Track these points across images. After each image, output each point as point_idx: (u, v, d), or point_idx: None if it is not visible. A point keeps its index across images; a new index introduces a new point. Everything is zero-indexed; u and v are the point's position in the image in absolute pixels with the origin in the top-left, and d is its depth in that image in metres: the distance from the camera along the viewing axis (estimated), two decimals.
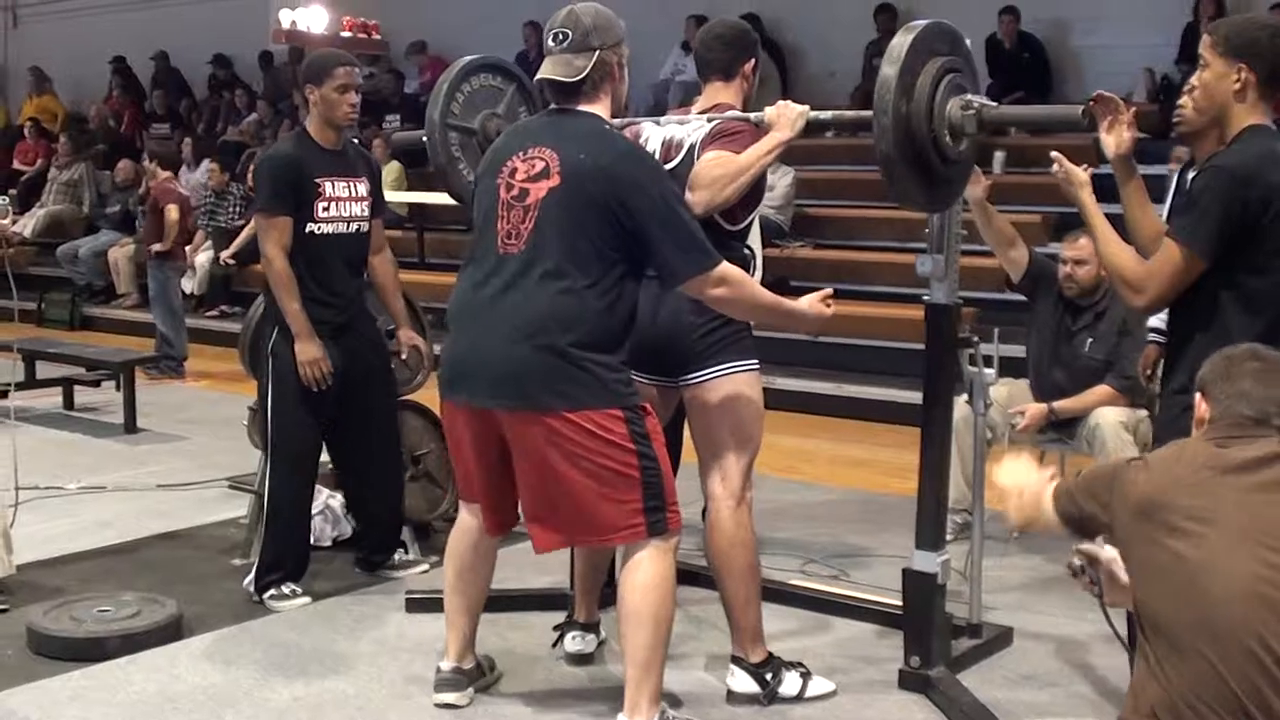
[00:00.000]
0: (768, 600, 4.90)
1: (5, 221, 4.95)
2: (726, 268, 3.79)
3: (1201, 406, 2.88)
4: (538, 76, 3.93)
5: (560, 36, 3.83)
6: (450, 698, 4.13)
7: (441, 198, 13.60)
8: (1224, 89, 3.48)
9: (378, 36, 8.53)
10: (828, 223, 11.21)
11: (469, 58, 5.00)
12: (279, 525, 5.07)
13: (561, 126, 3.86)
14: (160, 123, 16.96)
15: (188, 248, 12.78)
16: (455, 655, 4.17)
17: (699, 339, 4.10)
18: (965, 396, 4.56)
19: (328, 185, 5.11)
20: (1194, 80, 3.57)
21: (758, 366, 4.23)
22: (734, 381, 4.14)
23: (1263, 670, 2.56)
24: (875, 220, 10.67)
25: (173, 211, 10.49)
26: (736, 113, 4.24)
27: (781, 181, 10.77)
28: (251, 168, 12.74)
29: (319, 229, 5.10)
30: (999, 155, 10.84)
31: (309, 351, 4.99)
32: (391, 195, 12.72)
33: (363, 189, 5.24)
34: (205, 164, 13.58)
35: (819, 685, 4.28)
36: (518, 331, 3.67)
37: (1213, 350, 3.45)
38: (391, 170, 12.90)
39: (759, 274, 5.95)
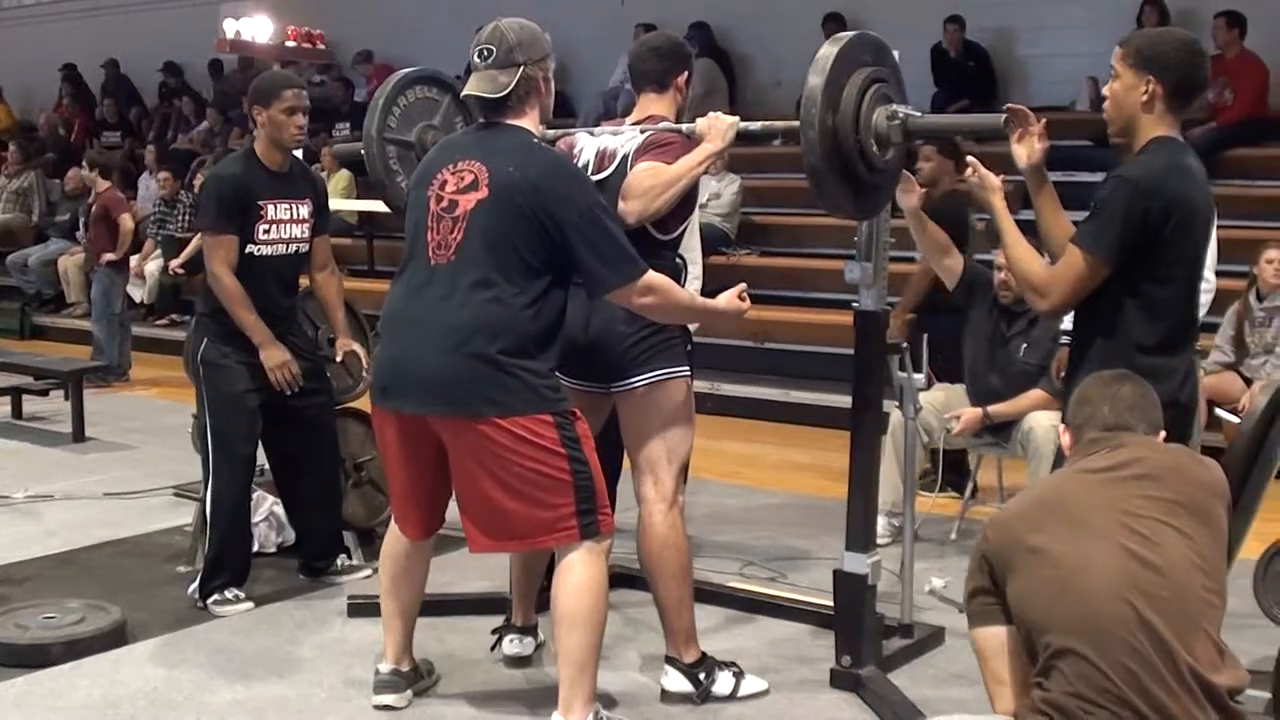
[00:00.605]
0: (705, 601, 5.01)
1: None
2: (652, 277, 3.87)
3: (1065, 440, 3.02)
4: (464, 93, 4.01)
5: (485, 53, 3.90)
6: (388, 699, 4.19)
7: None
8: (1132, 100, 3.58)
9: (322, 46, 8.56)
10: (774, 230, 11.32)
11: (404, 70, 5.08)
12: (219, 531, 5.13)
13: (490, 141, 3.93)
14: (111, 130, 16.93)
15: (135, 257, 12.80)
16: (393, 658, 4.23)
17: (630, 346, 4.17)
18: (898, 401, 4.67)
19: (270, 208, 5.20)
20: (1105, 90, 3.69)
21: (689, 373, 4.31)
22: (665, 388, 4.22)
23: (1140, 659, 2.66)
24: (821, 227, 10.75)
25: (127, 220, 10.52)
26: (669, 124, 4.32)
27: (728, 190, 10.88)
28: (200, 176, 12.79)
29: (258, 250, 5.19)
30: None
31: (275, 357, 5.11)
32: (340, 204, 12.77)
33: (304, 210, 5.32)
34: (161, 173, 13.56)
35: (752, 684, 4.35)
36: (448, 340, 3.74)
37: (1117, 354, 3.57)
38: (341, 179, 12.93)
39: (695, 283, 6.07)
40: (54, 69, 17.62)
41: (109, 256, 10.54)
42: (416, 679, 4.28)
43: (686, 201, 4.26)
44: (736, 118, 4.28)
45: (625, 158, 4.23)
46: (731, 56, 13.33)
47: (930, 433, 5.91)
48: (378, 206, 12.84)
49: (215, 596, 5.10)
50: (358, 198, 13.11)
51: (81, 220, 11.92)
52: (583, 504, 3.82)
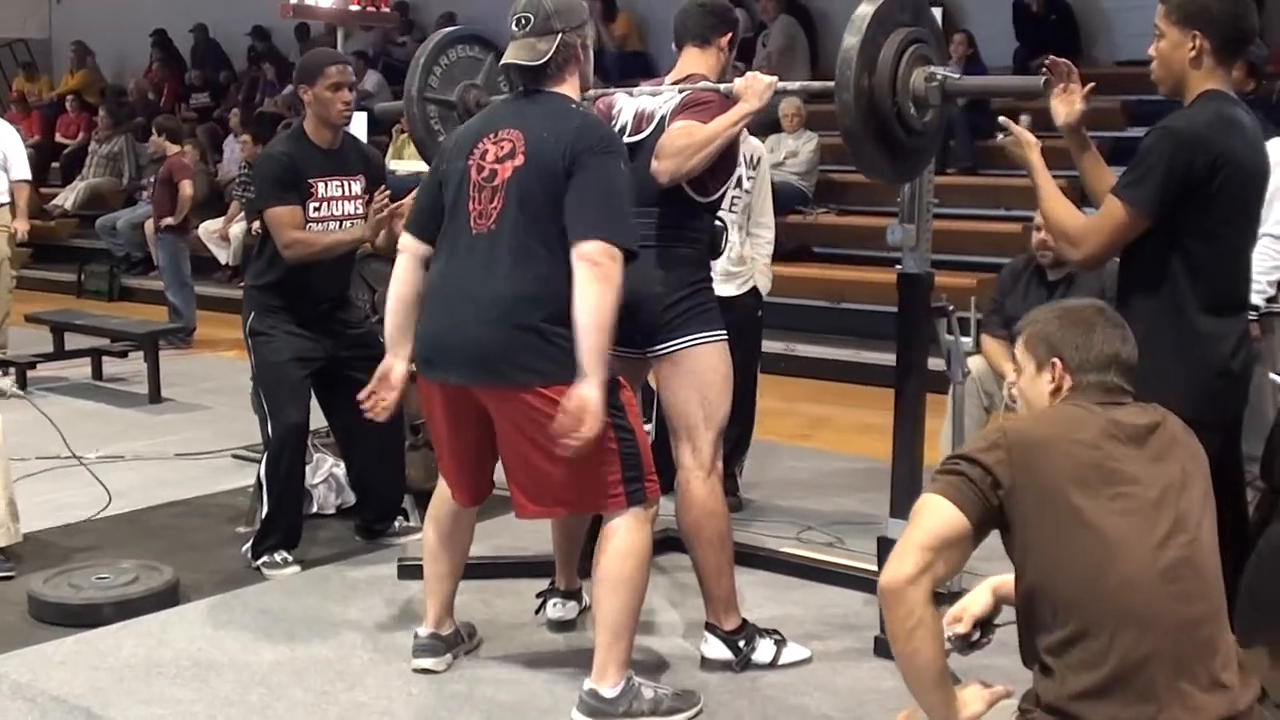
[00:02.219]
0: (755, 567, 5.00)
1: None
2: (617, 264, 3.68)
3: (1058, 370, 2.82)
4: (502, 61, 3.98)
5: (523, 21, 3.86)
6: (427, 663, 4.21)
7: None
8: (1180, 58, 3.49)
9: (387, 9, 8.54)
10: (852, 188, 11.18)
11: (446, 29, 5.05)
12: (271, 494, 5.17)
13: (528, 108, 3.91)
14: (200, 94, 17.12)
15: (221, 219, 12.97)
16: (433, 621, 4.24)
17: (665, 309, 4.13)
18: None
19: (320, 185, 5.23)
20: (1151, 50, 3.58)
21: (725, 337, 4.25)
22: (701, 353, 4.17)
23: (1176, 653, 2.52)
24: (899, 186, 10.66)
25: (187, 187, 10.65)
26: (708, 84, 4.26)
27: (805, 148, 10.79)
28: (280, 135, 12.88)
29: (309, 229, 5.21)
30: (1024, 119, 10.77)
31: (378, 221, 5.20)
32: (422, 165, 12.85)
33: (356, 187, 5.34)
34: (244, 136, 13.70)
35: (793, 652, 4.32)
36: (490, 310, 3.71)
37: (1163, 316, 3.45)
38: (406, 140, 12.97)
39: (766, 247, 6.02)
40: (145, 34, 17.83)
41: (168, 221, 10.70)
42: (456, 643, 4.30)
43: (726, 162, 4.19)
44: (774, 78, 4.19)
45: (663, 119, 4.17)
46: (811, 12, 13.17)
47: (991, 396, 5.81)
48: None
49: (265, 558, 5.15)
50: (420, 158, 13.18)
51: (148, 182, 12.07)
52: (629, 471, 3.81)
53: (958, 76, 3.97)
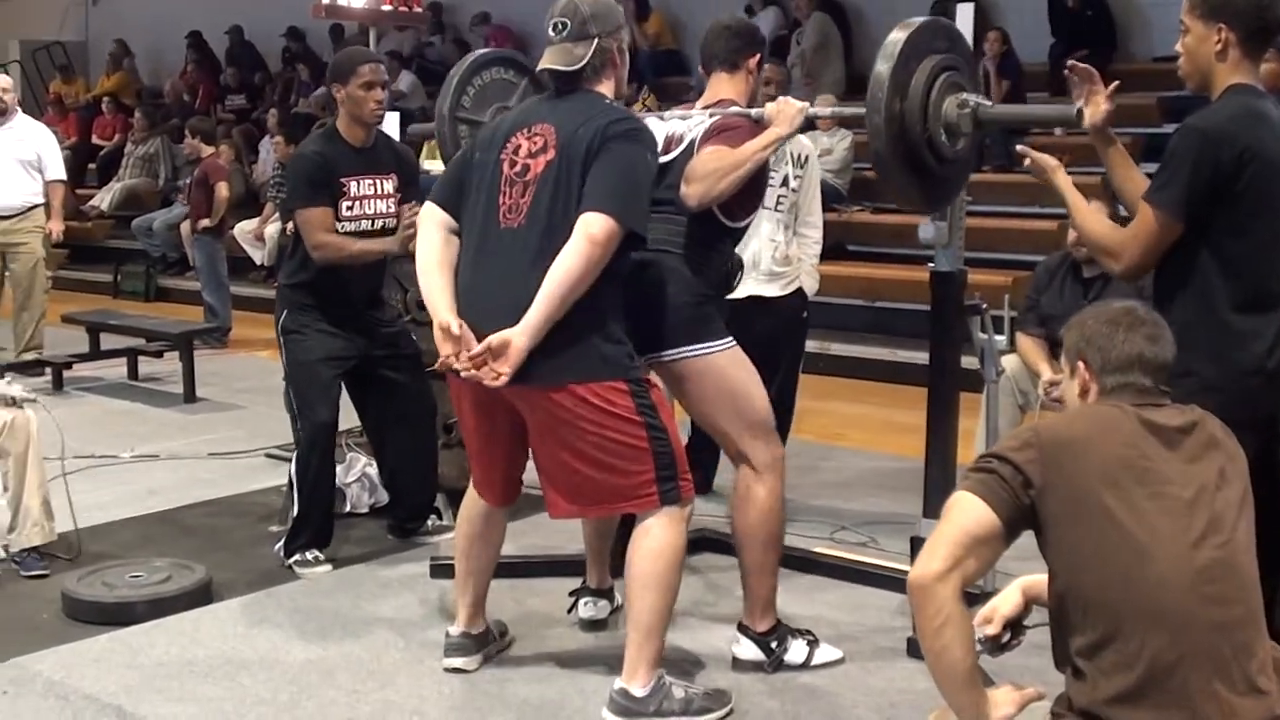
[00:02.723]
0: (788, 567, 4.94)
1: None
2: (611, 241, 3.66)
3: (1084, 375, 2.80)
4: (539, 67, 3.98)
5: (560, 26, 3.87)
6: (458, 662, 4.21)
7: None
8: (1205, 52, 3.45)
9: (419, 9, 8.58)
10: (886, 186, 11.12)
11: (481, 51, 5.07)
12: (301, 493, 5.18)
13: (562, 105, 3.90)
14: (235, 95, 17.19)
15: (255, 220, 13.03)
16: (465, 620, 4.24)
17: (670, 314, 4.08)
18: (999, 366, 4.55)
19: (353, 184, 5.24)
20: (1177, 46, 3.55)
21: (732, 343, 4.17)
22: (710, 363, 4.11)
23: (1213, 658, 2.48)
24: None
25: (223, 189, 10.68)
26: (738, 109, 4.26)
27: (840, 145, 10.76)
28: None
29: (341, 228, 5.23)
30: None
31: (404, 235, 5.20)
32: (437, 165, 12.86)
33: (389, 185, 5.34)
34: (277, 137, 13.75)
35: (826, 653, 4.30)
36: (518, 309, 3.67)
37: (1196, 314, 3.41)
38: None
39: (815, 247, 5.99)
40: (180, 36, 17.92)
41: (204, 223, 10.74)
42: (487, 642, 4.29)
43: (754, 190, 4.19)
44: (805, 104, 4.20)
45: (692, 142, 4.17)
46: (846, 10, 13.12)
47: (1026, 395, 5.77)
48: None
49: (297, 556, 5.16)
50: None
51: (184, 184, 12.12)
52: (662, 470, 3.79)
53: (990, 105, 3.96)
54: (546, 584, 4.91)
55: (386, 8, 8.22)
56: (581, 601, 4.61)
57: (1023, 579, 2.85)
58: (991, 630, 2.79)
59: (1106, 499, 2.55)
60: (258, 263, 13.12)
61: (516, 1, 15.34)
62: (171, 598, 4.72)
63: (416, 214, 5.11)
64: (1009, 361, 5.36)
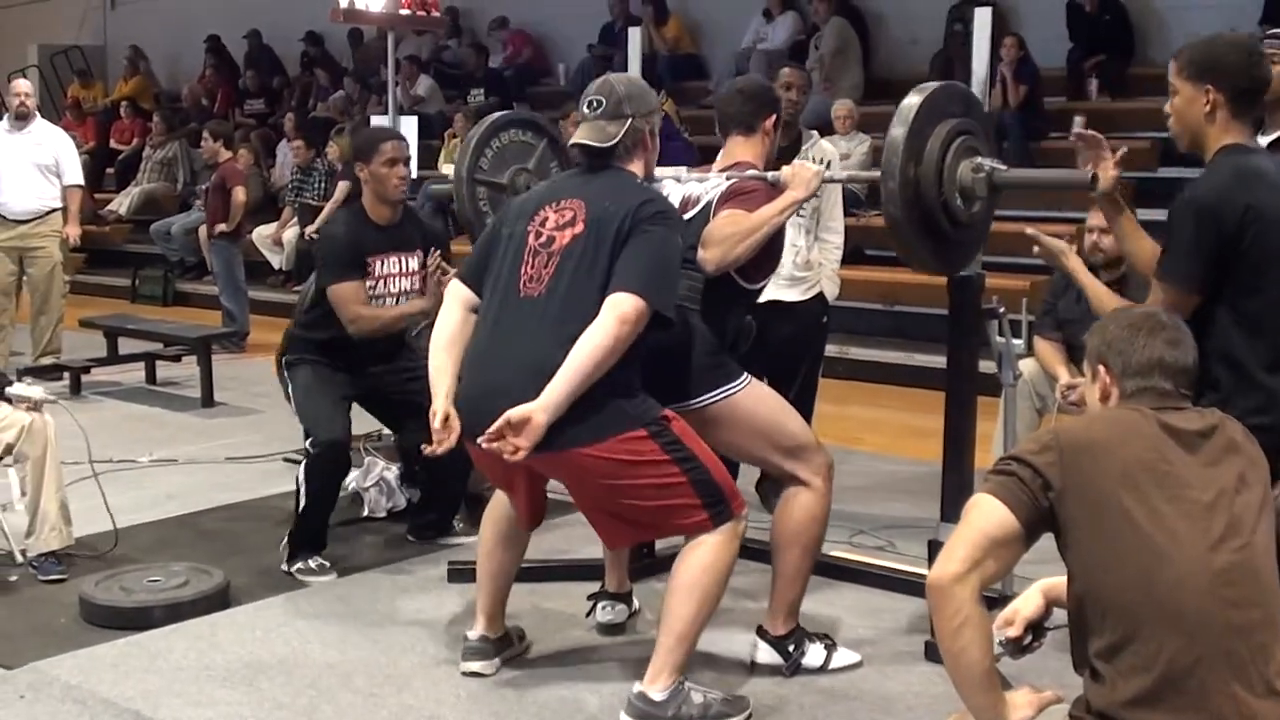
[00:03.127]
0: None
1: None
2: (639, 322, 3.68)
3: (1105, 379, 2.80)
4: (571, 142, 4.03)
5: (595, 104, 3.93)
6: (476, 666, 4.21)
7: None
8: (1195, 113, 3.46)
9: (437, 14, 8.61)
10: (900, 249, 11.10)
11: (500, 113, 5.15)
12: (307, 501, 5.18)
13: (592, 181, 3.95)
14: (254, 99, 17.23)
15: (274, 224, 13.06)
16: (483, 625, 4.24)
17: (688, 364, 4.11)
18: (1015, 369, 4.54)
19: (378, 264, 5.33)
20: (1167, 107, 3.56)
21: (747, 380, 4.20)
22: (733, 404, 4.12)
23: (1231, 662, 2.47)
24: None
25: (240, 193, 10.70)
26: (754, 172, 4.30)
27: (858, 150, 10.73)
28: (332, 144, 12.96)
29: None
30: (1078, 120, 10.71)
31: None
32: (453, 168, 12.89)
33: (414, 263, 5.41)
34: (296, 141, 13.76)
35: (844, 657, 4.29)
36: (535, 376, 3.66)
37: (1231, 379, 3.37)
38: (456, 144, 13.02)
39: (836, 251, 5.99)
40: (198, 41, 17.96)
41: (221, 227, 10.74)
42: (505, 646, 4.29)
43: (770, 253, 4.21)
44: (821, 167, 4.28)
45: (709, 204, 4.20)
46: (865, 14, 13.10)
47: (1044, 399, 5.75)
48: None
49: (299, 564, 5.16)
50: None
51: (201, 189, 12.13)
52: (706, 497, 3.79)
53: (1005, 170, 4.00)
54: (565, 588, 4.90)
55: (404, 12, 8.23)
56: (600, 605, 4.60)
57: (1043, 581, 2.84)
58: (1013, 632, 2.78)
59: (1125, 502, 2.55)
60: (276, 267, 13.15)
61: (534, 6, 15.39)
62: (189, 602, 4.72)
63: (439, 261, 5.21)
64: (1026, 365, 5.35)
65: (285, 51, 17.74)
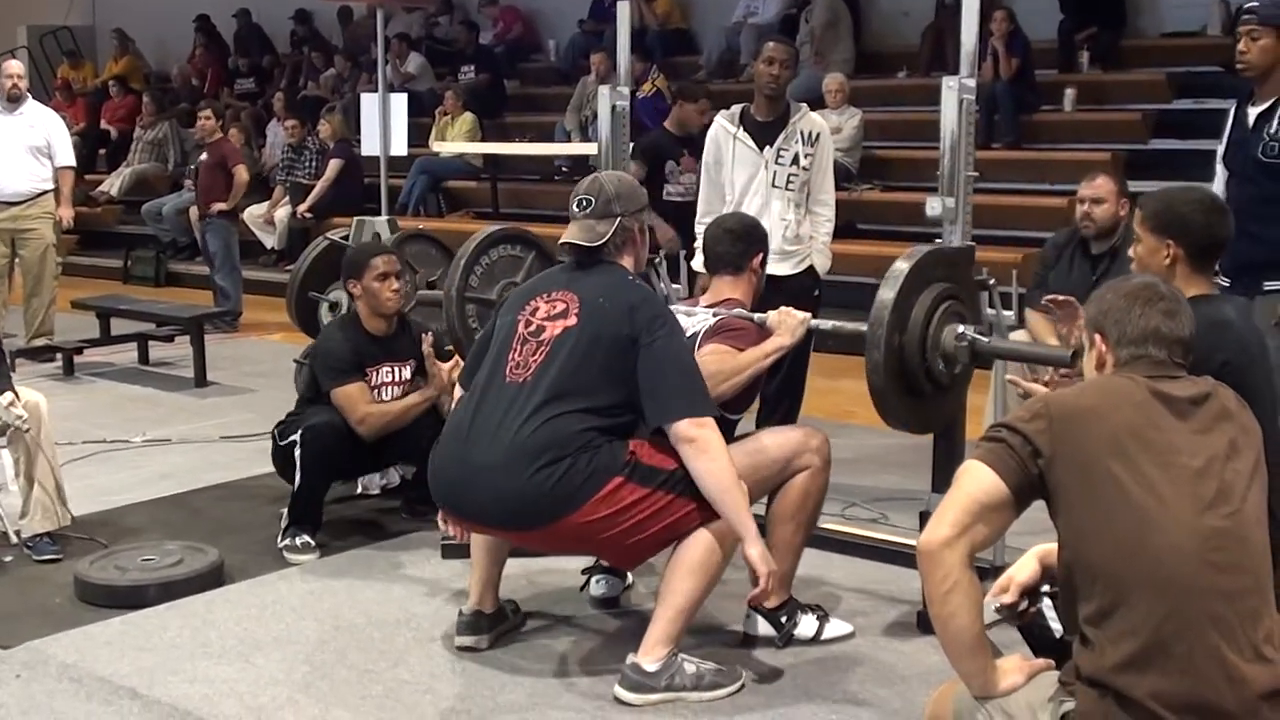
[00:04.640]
0: None
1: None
2: (709, 429, 3.79)
3: (1101, 347, 2.82)
4: (561, 240, 4.06)
5: (584, 203, 4.00)
6: (470, 641, 4.22)
7: (515, 148, 13.66)
8: (1156, 263, 3.52)
9: None
10: (895, 164, 11.13)
11: (489, 229, 5.19)
12: (299, 480, 5.20)
13: (584, 276, 4.01)
14: (244, 79, 17.19)
15: (265, 204, 13.04)
16: (477, 599, 4.26)
17: None
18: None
19: (374, 374, 5.37)
20: (1130, 253, 3.65)
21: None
22: None
23: (1221, 626, 2.48)
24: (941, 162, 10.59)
25: (242, 172, 10.68)
26: (742, 311, 4.37)
27: (849, 124, 10.72)
28: (324, 123, 12.93)
29: None
30: (1069, 93, 10.71)
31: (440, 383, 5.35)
32: (465, 147, 12.87)
33: (406, 372, 5.46)
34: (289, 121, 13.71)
35: (836, 627, 4.32)
36: (512, 463, 3.73)
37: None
38: (465, 121, 13.02)
39: (827, 224, 6.02)
40: (188, 20, 17.88)
41: (220, 206, 10.70)
42: (500, 621, 4.31)
43: (751, 390, 4.32)
44: (808, 315, 4.35)
45: (695, 335, 4.26)
46: None
47: (1035, 370, 5.75)
48: (504, 148, 13.03)
49: (286, 541, 5.17)
50: (482, 139, 13.22)
51: (193, 167, 12.06)
52: (699, 496, 3.82)
53: (987, 339, 4.10)
54: (559, 562, 4.91)
55: None
56: (594, 579, 4.62)
57: (1039, 547, 2.86)
58: (1009, 598, 2.80)
59: (1114, 468, 2.57)
60: (268, 246, 13.13)
61: None
62: (184, 580, 4.74)
63: (430, 345, 5.33)
64: (1017, 337, 5.33)
65: (275, 30, 17.71)
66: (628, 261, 4.05)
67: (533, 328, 3.92)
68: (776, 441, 4.28)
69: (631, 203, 4.04)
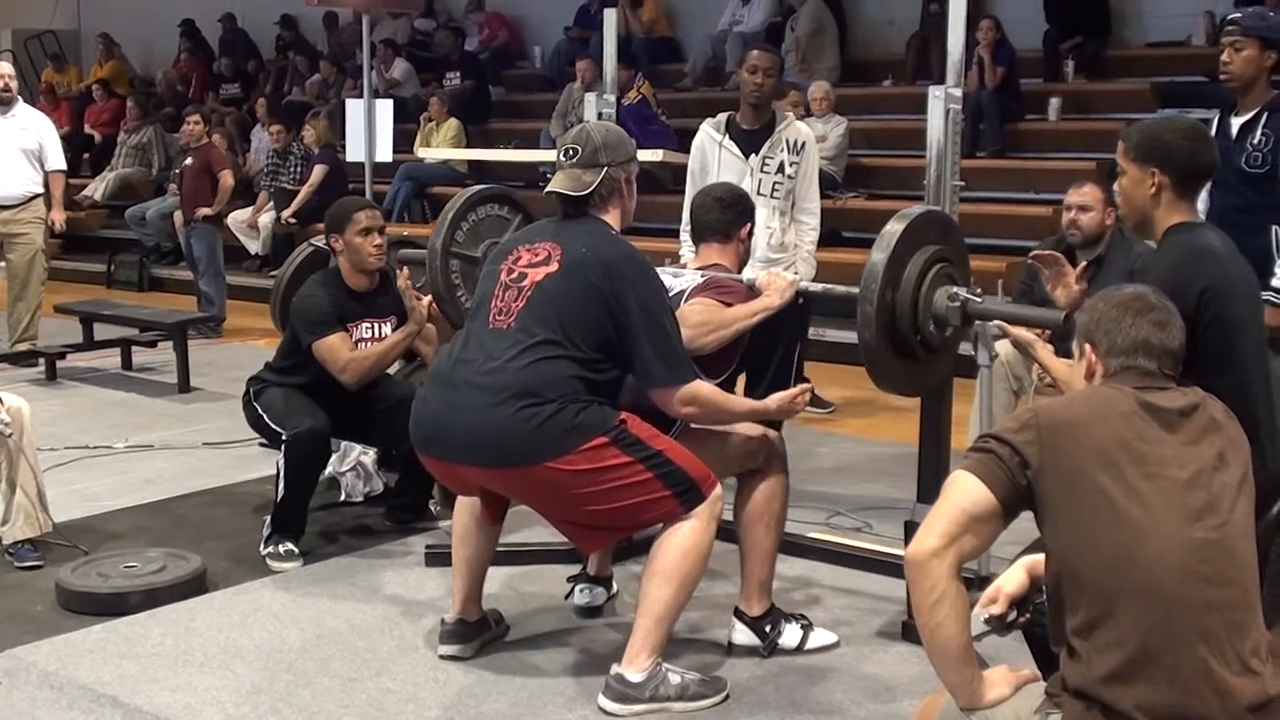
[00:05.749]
0: (785, 553, 4.95)
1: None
2: (698, 386, 3.87)
3: (1091, 357, 2.82)
4: (547, 189, 4.04)
5: (570, 152, 3.98)
6: (454, 649, 4.21)
7: (500, 154, 13.65)
8: (1141, 194, 3.48)
9: None
10: (881, 173, 11.14)
11: (476, 187, 5.15)
12: (283, 489, 5.15)
13: (568, 227, 4.00)
14: (229, 84, 17.15)
15: (249, 209, 13.01)
16: (460, 608, 4.24)
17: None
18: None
19: (354, 330, 5.35)
20: (1115, 187, 3.60)
21: (681, 426, 4.19)
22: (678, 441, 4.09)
23: (1209, 639, 2.48)
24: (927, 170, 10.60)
25: (228, 177, 10.65)
26: (729, 274, 4.39)
27: (834, 132, 10.73)
28: (308, 128, 12.91)
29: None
30: (1054, 102, 10.74)
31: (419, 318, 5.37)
32: (450, 153, 12.87)
33: (388, 329, 5.44)
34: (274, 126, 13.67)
35: (820, 637, 4.31)
36: (497, 398, 3.72)
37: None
38: (450, 127, 13.01)
39: (812, 234, 6.03)
40: (173, 25, 17.83)
41: (205, 211, 10.66)
42: (483, 630, 4.29)
43: (731, 351, 4.28)
44: (798, 276, 4.39)
45: (681, 293, 4.26)
46: None
47: (1020, 380, 5.77)
48: (489, 154, 13.03)
49: (269, 549, 5.14)
50: (467, 146, 13.22)
51: (177, 172, 12.01)
52: (675, 486, 3.81)
53: (979, 300, 4.06)
54: (543, 571, 4.92)
55: None
56: (578, 588, 4.61)
57: (1026, 558, 2.86)
58: (997, 609, 2.79)
59: (1102, 479, 2.57)
60: (252, 252, 13.11)
61: None
62: (166, 588, 4.71)
63: (407, 278, 5.32)
64: (1002, 347, 5.33)
65: (260, 35, 17.67)
66: (614, 212, 4.02)
67: (515, 275, 3.91)
68: (735, 436, 4.26)
69: (619, 153, 3.99)
